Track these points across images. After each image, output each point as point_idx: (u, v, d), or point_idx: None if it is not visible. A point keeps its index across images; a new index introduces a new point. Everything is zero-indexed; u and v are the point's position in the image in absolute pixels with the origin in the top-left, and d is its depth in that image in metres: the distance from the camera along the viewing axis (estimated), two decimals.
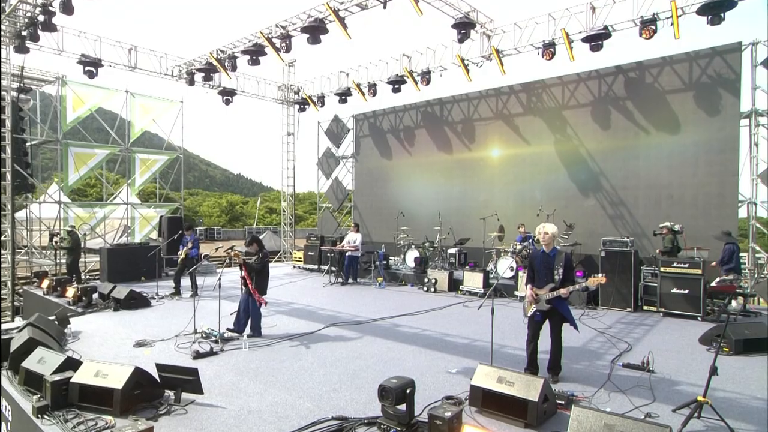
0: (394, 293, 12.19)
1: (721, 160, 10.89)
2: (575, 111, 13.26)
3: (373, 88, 15.64)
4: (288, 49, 12.08)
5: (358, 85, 15.84)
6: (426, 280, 12.46)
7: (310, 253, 15.89)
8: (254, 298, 7.42)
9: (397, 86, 14.96)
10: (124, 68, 14.80)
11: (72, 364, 5.15)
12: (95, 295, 10.36)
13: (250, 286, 7.34)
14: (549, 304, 5.56)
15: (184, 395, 4.97)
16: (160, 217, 15.39)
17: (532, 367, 5.76)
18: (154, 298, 10.57)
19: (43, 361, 5.27)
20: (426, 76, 14.27)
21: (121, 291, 9.92)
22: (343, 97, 16.60)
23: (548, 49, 11.90)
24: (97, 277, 14.55)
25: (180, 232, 11.24)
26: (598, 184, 12.86)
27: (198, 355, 6.42)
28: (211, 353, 6.57)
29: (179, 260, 11.19)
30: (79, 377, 4.85)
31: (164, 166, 17.72)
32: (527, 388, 4.57)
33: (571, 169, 13.35)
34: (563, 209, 12.93)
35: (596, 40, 11.16)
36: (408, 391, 4.37)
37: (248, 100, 17.96)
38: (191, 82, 15.55)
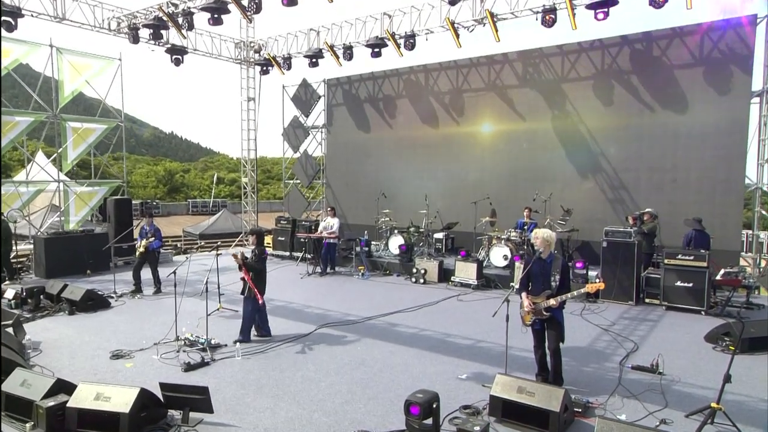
0: (380, 285, 12.80)
1: (729, 143, 11.83)
2: (575, 84, 13.94)
3: (348, 50, 15.70)
4: (258, 9, 12.01)
5: (332, 47, 15.87)
6: (414, 270, 13.08)
7: (280, 238, 16.21)
8: (250, 299, 7.86)
9: (376, 50, 15.11)
10: (50, 19, 14.34)
11: (64, 386, 5.46)
12: (41, 296, 10.39)
13: (250, 283, 7.76)
14: (548, 313, 6.24)
15: (192, 414, 5.40)
16: (105, 199, 15.23)
17: (543, 372, 6.51)
18: (113, 297, 10.75)
19: (28, 384, 5.51)
20: (410, 40, 14.49)
21: (75, 291, 10.02)
22: (314, 60, 16.59)
23: (548, 14, 12.29)
24: (19, 266, 14.31)
25: (138, 222, 11.33)
26: (597, 166, 13.70)
27: (189, 367, 6.81)
28: (203, 364, 6.98)
29: (137, 254, 11.33)
30: (77, 401, 5.18)
31: (102, 136, 17.34)
32: (548, 399, 5.26)
33: (569, 148, 14.12)
34: (560, 192, 13.73)
35: (602, 6, 11.63)
36: (434, 405, 4.98)
37: (199, 58, 17.69)
38: (135, 39, 15.19)
